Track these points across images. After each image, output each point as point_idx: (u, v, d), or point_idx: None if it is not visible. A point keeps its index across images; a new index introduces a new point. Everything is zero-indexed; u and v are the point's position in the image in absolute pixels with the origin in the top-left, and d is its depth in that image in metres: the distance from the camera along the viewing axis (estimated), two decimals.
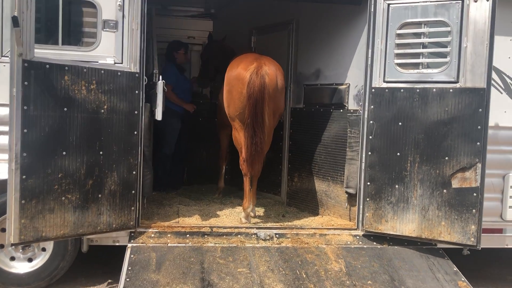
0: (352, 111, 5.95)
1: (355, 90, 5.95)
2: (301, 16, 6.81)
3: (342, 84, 6.15)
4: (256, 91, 5.42)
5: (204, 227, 5.54)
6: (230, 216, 6.16)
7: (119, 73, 5.06)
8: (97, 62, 5.09)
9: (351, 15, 5.97)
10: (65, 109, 4.73)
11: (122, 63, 5.19)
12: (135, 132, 5.18)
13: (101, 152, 4.99)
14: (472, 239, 5.19)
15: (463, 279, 5.15)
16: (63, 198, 4.77)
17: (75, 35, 5.26)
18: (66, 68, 4.72)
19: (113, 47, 5.22)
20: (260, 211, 6.62)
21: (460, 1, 5.12)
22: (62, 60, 4.75)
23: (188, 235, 5.36)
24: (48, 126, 4.63)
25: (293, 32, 6.88)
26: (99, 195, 5.01)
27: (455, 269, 5.30)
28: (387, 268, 5.18)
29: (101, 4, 5.11)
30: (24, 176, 4.51)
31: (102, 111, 4.96)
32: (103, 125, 4.97)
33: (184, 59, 7.45)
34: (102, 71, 4.95)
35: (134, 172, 5.22)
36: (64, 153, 4.75)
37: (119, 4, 5.16)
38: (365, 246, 5.51)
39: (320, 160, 6.43)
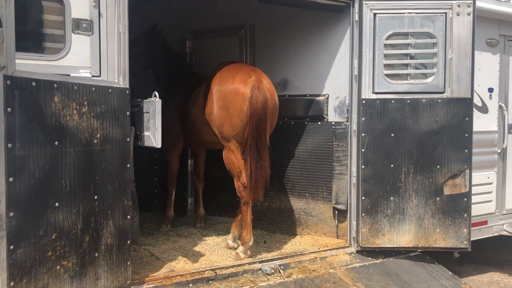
0: (334, 123, 5.67)
1: (336, 102, 5.69)
2: (257, 21, 6.25)
3: (319, 96, 5.82)
4: (260, 108, 4.73)
5: (205, 271, 4.64)
6: (217, 252, 5.31)
7: (110, 90, 3.85)
8: (69, 75, 3.77)
9: (329, 24, 5.68)
10: (56, 142, 3.39)
11: (100, 75, 3.96)
12: (128, 165, 4.02)
13: (95, 197, 3.72)
14: (465, 242, 5.44)
15: (463, 282, 5.38)
16: (58, 267, 3.42)
17: (34, 38, 3.81)
18: (55, 85, 3.37)
19: (87, 55, 3.95)
20: (227, 238, 5.87)
21: (444, 14, 5.29)
22: (49, 75, 3.38)
23: (191, 285, 4.41)
24: (38, 169, 3.25)
25: (247, 38, 6.28)
26: (96, 254, 3.74)
27: (450, 273, 5.50)
28: (401, 284, 5.08)
29: None
30: (12, 247, 3.08)
31: (95, 141, 3.70)
32: (96, 159, 3.72)
33: None
34: (93, 88, 3.69)
35: (128, 217, 4.05)
36: (57, 204, 3.40)
37: None
38: (367, 264, 5.32)
39: (294, 177, 6.00)
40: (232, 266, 4.78)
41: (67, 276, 3.47)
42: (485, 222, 6.30)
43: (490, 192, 6.51)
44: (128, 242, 4.05)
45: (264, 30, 6.22)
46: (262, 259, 5.02)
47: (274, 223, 6.16)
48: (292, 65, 5.98)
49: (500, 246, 7.48)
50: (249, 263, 4.90)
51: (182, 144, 6.05)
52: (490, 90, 6.46)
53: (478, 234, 6.33)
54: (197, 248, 5.41)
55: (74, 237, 3.51)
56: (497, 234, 6.70)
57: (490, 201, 6.50)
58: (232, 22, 6.38)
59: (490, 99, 6.45)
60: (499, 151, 6.60)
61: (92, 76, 3.89)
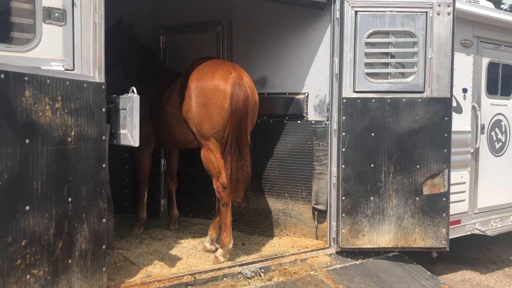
0: (314, 122, 5.56)
1: (316, 100, 5.58)
2: (234, 17, 6.06)
3: (299, 94, 5.69)
4: (241, 105, 4.56)
5: (184, 275, 4.43)
6: (194, 255, 5.09)
7: (85, 85, 3.58)
8: (40, 67, 3.50)
9: (309, 21, 5.56)
10: (27, 141, 3.11)
11: (73, 69, 3.69)
12: (104, 165, 3.77)
13: (69, 199, 3.46)
14: (444, 241, 5.44)
15: (442, 282, 5.38)
16: (28, 276, 3.14)
17: (1, 27, 3.51)
18: (26, 78, 3.09)
19: (60, 47, 3.68)
20: (204, 241, 5.67)
21: (425, 13, 5.26)
22: (19, 67, 3.10)
23: None
24: (7, 169, 2.96)
25: (224, 34, 6.08)
26: (69, 261, 3.48)
27: (429, 273, 5.49)
28: (382, 285, 5.02)
29: None
30: None
31: (70, 139, 3.44)
32: (70, 159, 3.45)
33: None
34: (68, 82, 3.42)
35: (104, 220, 3.80)
36: (27, 207, 3.12)
37: None
38: (347, 265, 5.25)
39: (273, 176, 5.85)
40: (212, 270, 4.59)
41: (38, 285, 3.20)
42: (458, 221, 6.35)
43: (464, 192, 6.56)
44: (104, 247, 3.80)
45: (242, 26, 6.04)
46: (242, 262, 4.85)
47: (252, 225, 5.99)
48: (271, 62, 5.83)
49: (468, 245, 7.59)
50: (229, 267, 4.72)
51: (154, 143, 5.80)
52: (464, 90, 6.51)
53: (452, 233, 6.35)
54: (173, 252, 5.18)
55: (46, 243, 3.24)
56: (469, 233, 6.77)
57: (464, 200, 6.56)
58: (209, 18, 6.17)
59: (464, 99, 6.50)
60: (472, 151, 6.66)
61: (65, 70, 3.62)
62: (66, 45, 3.68)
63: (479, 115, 6.63)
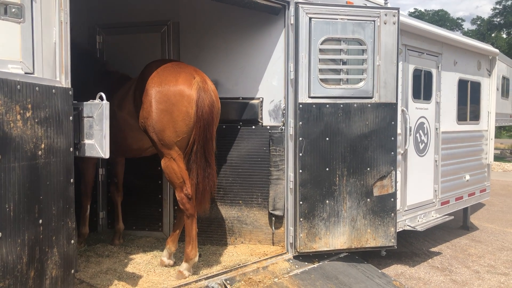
0: (269, 127, 5.51)
1: (271, 105, 5.54)
2: (182, 17, 5.80)
3: (253, 99, 5.60)
4: (207, 111, 4.35)
5: None
6: (154, 271, 4.77)
7: (53, 91, 3.18)
8: (9, 72, 3.05)
9: (263, 25, 5.49)
10: (0, 156, 2.67)
11: (33, 72, 3.27)
12: (72, 180, 3.38)
13: (40, 221, 3.04)
14: (393, 240, 5.71)
15: (393, 278, 5.62)
16: None
17: None
18: None
19: (18, 47, 3.23)
20: (157, 255, 5.37)
21: (373, 22, 5.48)
22: None
23: None
24: None
25: (170, 35, 5.79)
26: None
27: (380, 271, 5.71)
28: (342, 287, 5.12)
29: None
30: None
31: (40, 152, 3.02)
32: (41, 175, 3.04)
33: None
34: (37, 88, 3.00)
35: (72, 241, 3.41)
36: (0, 234, 2.68)
37: None
38: (307, 269, 5.28)
39: (226, 183, 5.69)
40: (179, 287, 4.34)
41: None
42: None
43: (397, 190, 6.95)
44: (72, 271, 3.40)
45: (191, 28, 5.80)
46: (208, 275, 4.65)
47: (204, 234, 5.77)
48: (223, 66, 5.68)
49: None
50: (195, 281, 4.51)
51: None
52: None
53: None
54: (129, 269, 4.81)
55: (20, 273, 2.81)
56: (401, 229, 7.17)
57: (397, 198, 6.94)
58: (152, 17, 5.84)
59: None
60: (402, 152, 7.07)
61: (25, 73, 3.18)
62: (24, 45, 3.23)
63: (408, 118, 7.05)
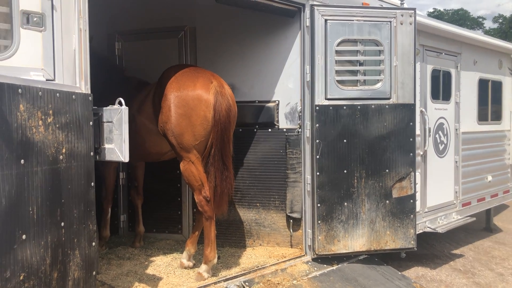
0: (286, 130, 5.53)
1: (287, 108, 5.56)
2: (198, 23, 5.87)
3: (269, 102, 5.64)
4: (224, 115, 4.41)
5: None
6: (174, 273, 4.83)
7: (73, 97, 3.26)
8: (31, 79, 3.15)
9: (278, 28, 5.53)
10: (22, 161, 2.75)
11: (54, 79, 3.36)
12: (92, 184, 3.46)
13: (62, 223, 3.12)
14: (412, 242, 5.66)
15: (414, 280, 5.57)
16: None
17: None
18: (20, 91, 2.74)
19: (39, 55, 3.32)
20: (177, 257, 5.43)
21: (389, 23, 5.46)
22: (12, 77, 2.74)
23: None
24: (4, 195, 2.59)
25: (187, 41, 5.87)
26: None
27: (400, 273, 5.67)
28: None
29: None
30: None
31: (61, 157, 3.10)
32: (63, 179, 3.12)
33: None
34: (58, 94, 3.09)
35: (93, 244, 3.48)
36: (24, 236, 2.76)
37: None
38: (326, 271, 5.27)
39: (243, 186, 5.73)
40: None
41: None
42: None
43: (416, 192, 6.89)
44: (94, 273, 3.48)
45: (207, 33, 5.87)
46: (226, 277, 4.69)
47: (222, 236, 5.81)
48: (238, 70, 5.73)
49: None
50: (214, 283, 4.55)
51: None
52: None
53: None
54: (149, 271, 4.88)
55: (43, 275, 2.89)
56: (421, 231, 7.11)
57: (416, 200, 6.88)
58: (169, 23, 5.93)
59: None
60: (421, 153, 7.01)
61: (46, 80, 3.27)
62: (46, 53, 3.33)
63: (426, 119, 6.99)
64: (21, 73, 3.15)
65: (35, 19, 3.27)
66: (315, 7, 5.22)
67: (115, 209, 6.24)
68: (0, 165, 2.57)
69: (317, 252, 5.34)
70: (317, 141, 5.26)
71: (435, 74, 7.48)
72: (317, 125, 5.26)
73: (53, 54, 3.36)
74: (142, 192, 5.82)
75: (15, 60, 3.18)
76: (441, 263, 7.45)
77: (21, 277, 2.72)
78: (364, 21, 5.39)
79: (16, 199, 2.68)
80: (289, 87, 5.54)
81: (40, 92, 2.89)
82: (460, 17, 48.22)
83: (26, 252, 2.76)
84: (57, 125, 3.05)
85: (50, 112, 2.98)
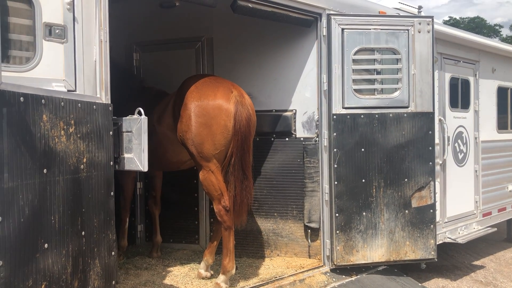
0: (303, 139, 5.52)
1: (305, 117, 5.55)
2: (215, 33, 5.92)
3: (286, 111, 5.64)
4: (244, 124, 4.43)
5: None
6: (191, 284, 4.83)
7: (94, 107, 3.30)
8: (54, 89, 3.20)
9: (295, 38, 5.54)
10: (45, 170, 2.78)
11: (75, 89, 3.40)
12: (112, 193, 3.48)
13: (83, 232, 3.14)
14: (432, 252, 5.57)
15: None
16: None
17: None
18: (43, 101, 2.78)
19: (61, 66, 3.37)
20: (194, 267, 5.42)
21: (407, 31, 5.43)
22: (35, 88, 2.78)
23: None
24: (27, 204, 2.63)
25: (204, 51, 5.92)
26: None
27: (420, 284, 5.58)
28: None
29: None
30: None
31: (82, 166, 3.13)
32: (83, 188, 3.14)
33: None
34: (79, 105, 3.13)
35: (113, 253, 3.49)
36: (46, 245, 2.78)
37: (67, 1, 3.37)
38: (345, 282, 5.21)
39: (261, 196, 5.71)
40: None
41: None
42: None
43: (436, 202, 6.79)
44: (113, 282, 3.49)
45: (224, 43, 5.91)
46: None
47: (239, 246, 5.77)
48: (255, 79, 5.74)
49: None
50: None
51: None
52: None
53: None
54: (167, 281, 4.88)
55: (64, 283, 2.91)
56: (441, 241, 6.99)
57: (436, 210, 6.78)
58: (187, 34, 5.98)
59: None
60: (440, 162, 6.92)
61: (68, 91, 3.32)
62: (67, 64, 3.38)
63: (445, 128, 6.91)
64: (44, 84, 3.20)
65: (57, 31, 3.33)
66: (332, 17, 5.23)
67: (132, 219, 6.26)
68: (24, 175, 2.60)
69: (335, 263, 5.29)
70: (335, 150, 5.24)
71: (454, 82, 7.40)
72: (335, 134, 5.24)
73: (74, 65, 3.40)
74: (159, 202, 5.84)
75: (37, 71, 3.23)
76: (461, 274, 7.31)
77: (43, 286, 2.74)
78: (381, 29, 5.37)
79: (38, 208, 2.71)
80: (306, 96, 5.54)
81: (62, 103, 2.93)
82: (477, 25, 47.78)
83: (48, 261, 2.78)
84: (78, 135, 3.08)
85: (72, 122, 3.02)
